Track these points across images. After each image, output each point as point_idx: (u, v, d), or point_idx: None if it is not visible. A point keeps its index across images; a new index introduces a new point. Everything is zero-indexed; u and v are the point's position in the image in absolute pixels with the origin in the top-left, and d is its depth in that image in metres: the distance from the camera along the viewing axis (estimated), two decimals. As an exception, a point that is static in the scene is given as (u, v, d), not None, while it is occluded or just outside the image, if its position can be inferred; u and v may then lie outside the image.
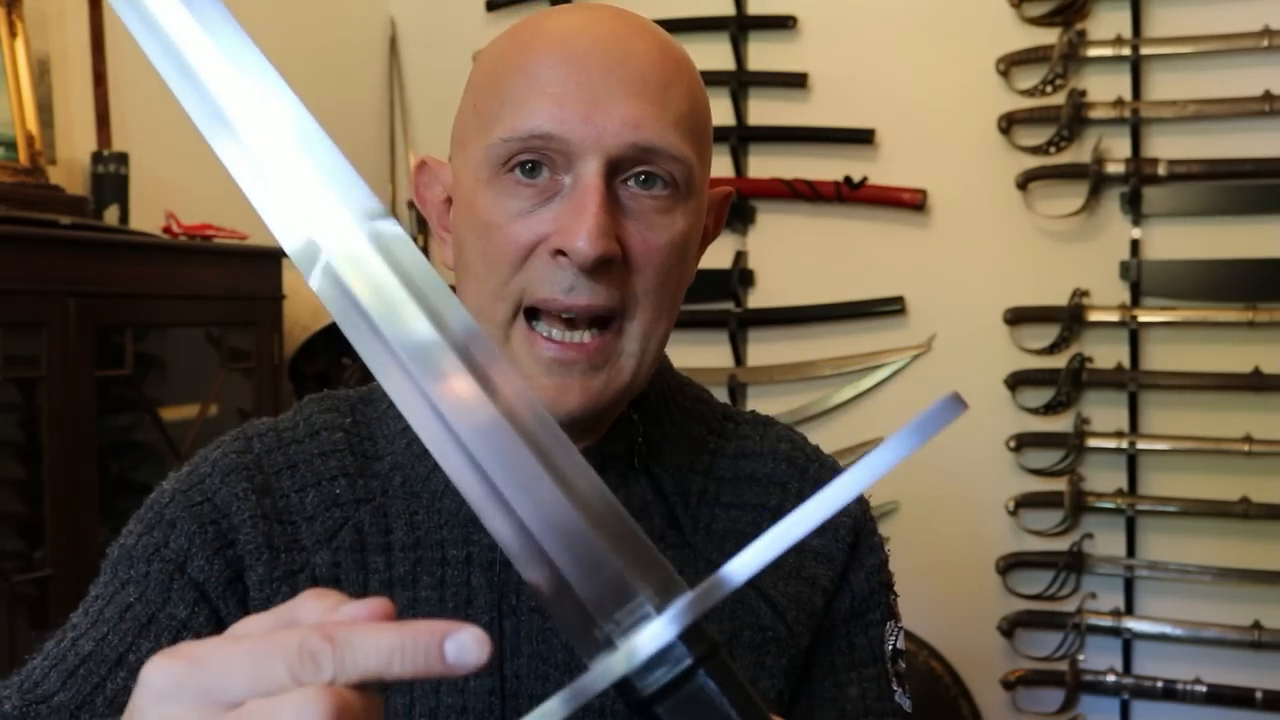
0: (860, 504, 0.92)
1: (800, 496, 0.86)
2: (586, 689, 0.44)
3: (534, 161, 0.76)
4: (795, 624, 0.85)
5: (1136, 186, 2.59)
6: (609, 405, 0.80)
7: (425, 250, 3.20)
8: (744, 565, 0.45)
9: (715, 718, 0.44)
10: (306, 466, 0.84)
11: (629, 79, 0.76)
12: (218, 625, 0.78)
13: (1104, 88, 2.62)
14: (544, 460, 0.46)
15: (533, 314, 0.78)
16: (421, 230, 3.21)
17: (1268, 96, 2.48)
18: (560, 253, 0.75)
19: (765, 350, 2.94)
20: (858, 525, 0.90)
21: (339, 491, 0.84)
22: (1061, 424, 2.67)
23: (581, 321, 0.77)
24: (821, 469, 0.92)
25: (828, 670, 0.86)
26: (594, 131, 0.75)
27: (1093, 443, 2.62)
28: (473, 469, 0.46)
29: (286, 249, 0.49)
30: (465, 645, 0.42)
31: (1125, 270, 2.61)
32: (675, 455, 0.88)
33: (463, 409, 0.46)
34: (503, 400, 0.46)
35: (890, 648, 0.89)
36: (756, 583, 0.84)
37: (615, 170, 0.76)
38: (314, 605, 0.44)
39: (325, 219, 0.48)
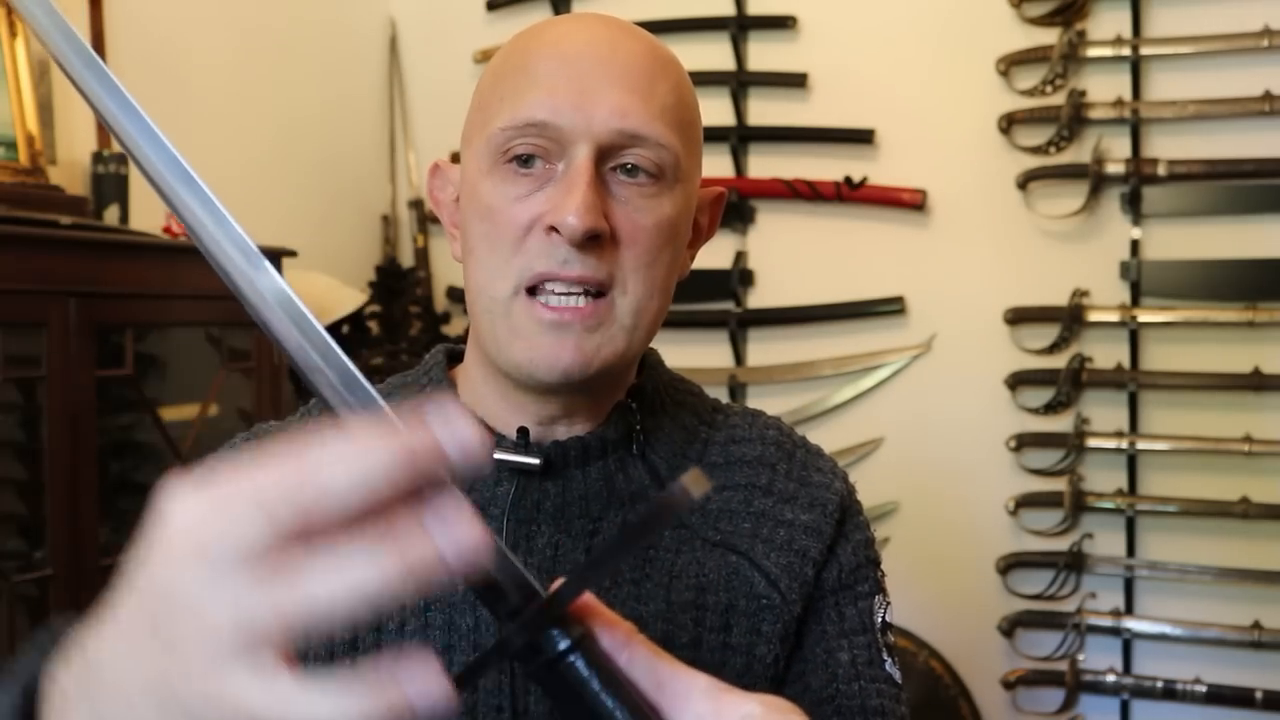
0: (846, 484, 0.96)
1: (788, 477, 0.92)
2: (500, 653, 0.50)
3: (529, 154, 0.82)
4: (788, 592, 0.89)
5: (1136, 186, 2.59)
6: (601, 370, 0.84)
7: (424, 250, 3.21)
8: (566, 590, 0.49)
9: (582, 704, 0.49)
10: None
11: (616, 72, 0.82)
12: None
13: (1104, 88, 2.62)
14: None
15: (532, 291, 0.83)
16: (421, 230, 3.22)
17: (1268, 96, 2.48)
18: (554, 229, 0.80)
19: (765, 350, 2.94)
20: (844, 503, 0.94)
21: None
22: (1061, 424, 2.67)
23: (576, 290, 0.83)
24: (807, 454, 0.96)
25: (819, 638, 0.90)
26: (584, 119, 0.81)
27: (1093, 443, 2.63)
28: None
29: None
30: (454, 425, 0.43)
31: (1125, 270, 2.61)
32: (670, 444, 0.92)
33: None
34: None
35: (880, 619, 0.93)
36: (751, 555, 0.89)
37: (604, 157, 0.82)
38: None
39: None
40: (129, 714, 0.44)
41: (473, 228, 0.85)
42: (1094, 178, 2.60)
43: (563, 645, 0.49)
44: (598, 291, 0.82)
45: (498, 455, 0.86)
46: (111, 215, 2.28)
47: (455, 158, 0.97)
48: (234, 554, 0.42)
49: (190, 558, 0.42)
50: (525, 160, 0.82)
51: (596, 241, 0.81)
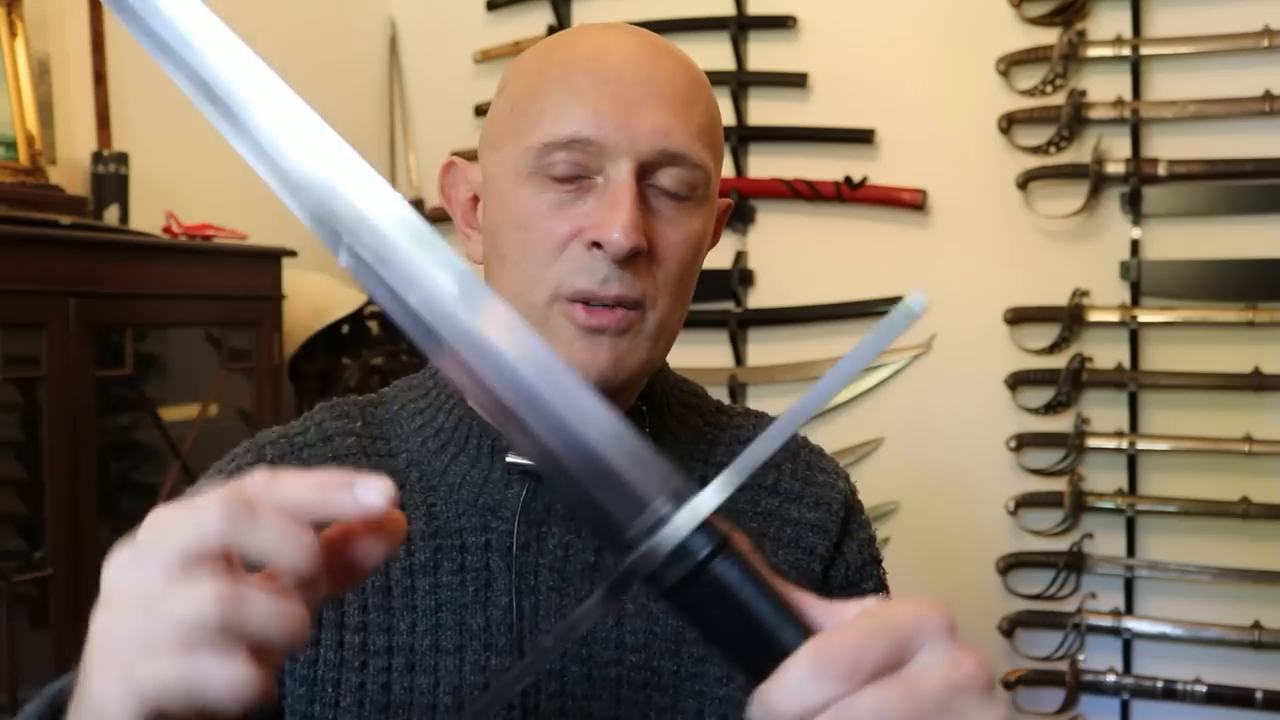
0: (848, 483, 0.99)
1: (793, 476, 0.95)
2: (619, 586, 0.51)
3: (570, 162, 0.83)
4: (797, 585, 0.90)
5: (1136, 186, 2.59)
6: (630, 374, 0.86)
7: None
8: (746, 463, 0.51)
9: (731, 604, 0.48)
10: (321, 467, 0.87)
11: (659, 91, 0.84)
12: None
13: (1104, 88, 2.62)
14: (560, 395, 0.53)
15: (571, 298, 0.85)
16: (421, 230, 3.21)
17: (1268, 96, 2.48)
18: (595, 245, 0.82)
19: (765, 350, 2.94)
20: (848, 502, 0.97)
21: None
22: (1061, 424, 2.67)
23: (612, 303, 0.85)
24: (811, 454, 0.99)
25: None
26: (627, 136, 0.82)
27: (1093, 443, 2.62)
28: (510, 397, 0.54)
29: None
30: (369, 487, 0.53)
31: (1125, 270, 2.61)
32: (677, 445, 0.94)
33: (490, 349, 0.54)
34: (515, 347, 0.54)
35: None
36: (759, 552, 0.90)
37: (644, 172, 0.84)
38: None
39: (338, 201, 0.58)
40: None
41: (506, 235, 0.86)
42: (1094, 178, 2.60)
43: (709, 548, 0.48)
44: (631, 306, 0.84)
45: (509, 459, 0.87)
46: (111, 215, 2.28)
47: (463, 155, 0.96)
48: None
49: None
50: (566, 169, 0.83)
51: (636, 258, 0.82)
